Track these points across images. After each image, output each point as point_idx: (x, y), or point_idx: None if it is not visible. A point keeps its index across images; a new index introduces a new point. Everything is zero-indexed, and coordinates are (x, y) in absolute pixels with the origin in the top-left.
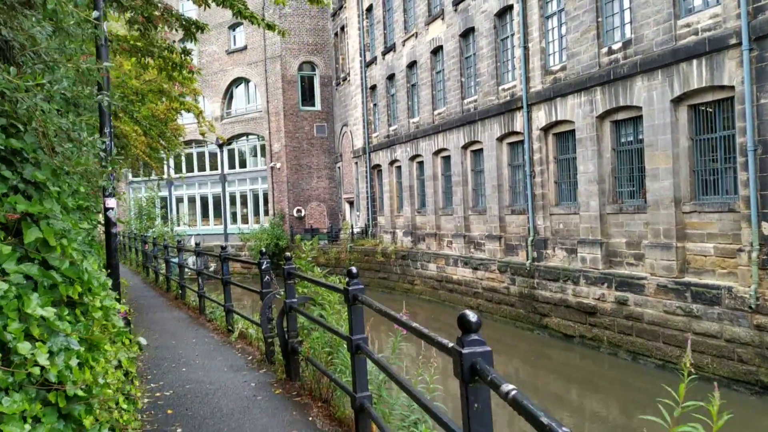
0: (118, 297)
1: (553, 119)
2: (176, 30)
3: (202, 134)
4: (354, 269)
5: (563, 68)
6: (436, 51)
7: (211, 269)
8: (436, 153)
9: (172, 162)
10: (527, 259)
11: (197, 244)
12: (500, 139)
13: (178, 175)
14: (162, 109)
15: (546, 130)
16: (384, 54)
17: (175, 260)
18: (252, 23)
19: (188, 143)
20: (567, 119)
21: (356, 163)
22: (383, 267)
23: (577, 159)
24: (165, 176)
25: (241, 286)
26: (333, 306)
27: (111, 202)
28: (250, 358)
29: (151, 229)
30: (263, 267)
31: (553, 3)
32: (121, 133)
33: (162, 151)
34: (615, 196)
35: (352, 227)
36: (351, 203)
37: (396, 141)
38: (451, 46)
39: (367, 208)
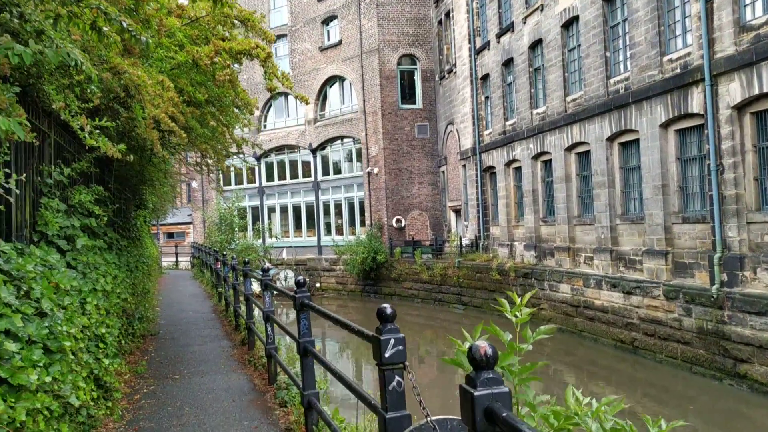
0: None
1: (755, 92)
2: None
3: (271, 89)
4: None
5: None
6: (569, 24)
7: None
8: (570, 149)
9: (263, 169)
10: (712, 284)
11: (265, 270)
12: (665, 126)
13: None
14: (206, 52)
15: (740, 108)
16: (499, 37)
17: (248, 285)
18: None
19: (280, 149)
20: None
21: (464, 165)
22: (499, 287)
23: None
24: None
25: (333, 371)
26: None
27: None
28: None
29: (234, 243)
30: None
31: None
32: (129, 82)
33: (225, 133)
34: None
35: (459, 239)
36: (457, 212)
37: (514, 137)
38: (590, 15)
39: (478, 217)
